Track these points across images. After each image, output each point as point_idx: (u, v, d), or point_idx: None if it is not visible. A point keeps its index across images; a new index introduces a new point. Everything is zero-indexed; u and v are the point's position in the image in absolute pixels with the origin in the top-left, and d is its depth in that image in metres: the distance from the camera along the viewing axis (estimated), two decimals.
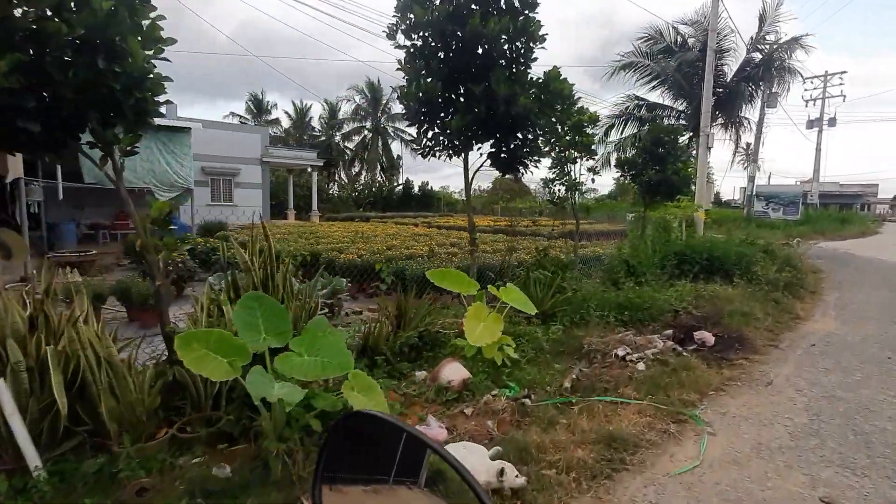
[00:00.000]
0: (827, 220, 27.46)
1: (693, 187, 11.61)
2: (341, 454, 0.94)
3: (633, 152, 11.38)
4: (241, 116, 53.00)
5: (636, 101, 19.00)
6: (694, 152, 13.60)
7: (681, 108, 17.62)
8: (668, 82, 17.32)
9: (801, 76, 17.85)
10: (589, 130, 8.49)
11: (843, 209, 52.05)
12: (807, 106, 39.79)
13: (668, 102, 17.90)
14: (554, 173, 8.46)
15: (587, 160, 8.62)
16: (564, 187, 8.35)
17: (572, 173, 8.57)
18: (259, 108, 54.73)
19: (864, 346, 5.80)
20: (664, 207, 10.51)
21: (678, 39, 17.62)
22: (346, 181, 50.26)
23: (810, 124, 39.96)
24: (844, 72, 36.98)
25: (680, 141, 10.94)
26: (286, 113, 55.06)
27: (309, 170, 29.84)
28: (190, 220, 17.69)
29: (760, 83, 17.01)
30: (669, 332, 5.99)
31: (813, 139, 39.74)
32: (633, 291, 7.35)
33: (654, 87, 18.22)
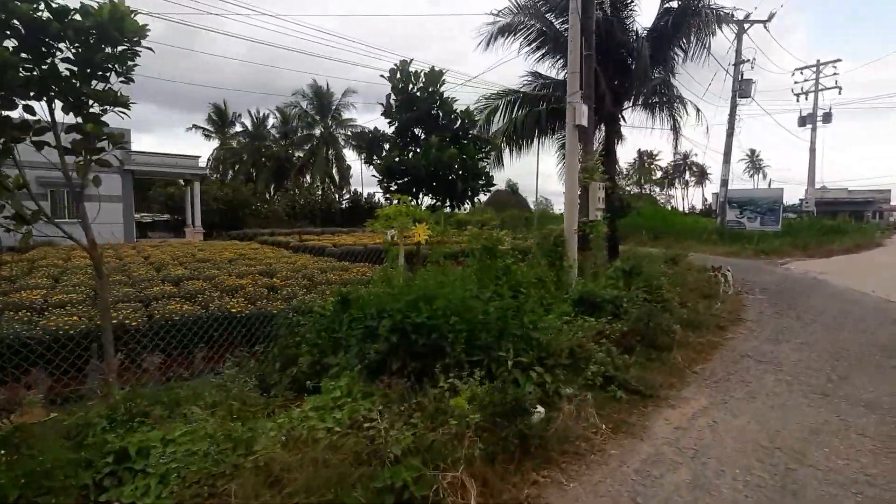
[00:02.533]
0: (812, 231, 22.14)
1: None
2: None
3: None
4: (203, 128, 49.42)
5: (541, 81, 14.19)
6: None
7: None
8: (558, 48, 12.49)
9: (733, 17, 12.86)
10: None
11: (853, 217, 46.41)
12: (798, 100, 34.66)
13: (562, 75, 13.04)
14: None
15: None
16: None
17: None
18: (222, 118, 51.02)
19: None
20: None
21: None
22: (298, 192, 45.89)
23: (802, 121, 34.79)
24: (838, 60, 31.78)
25: (455, 101, 6.12)
26: (241, 124, 51.15)
27: (185, 180, 25.37)
28: None
29: (677, 38, 11.97)
30: None
31: (806, 138, 34.43)
32: None
33: (544, 56, 13.39)
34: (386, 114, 5.94)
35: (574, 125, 9.18)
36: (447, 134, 6.30)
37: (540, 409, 3.82)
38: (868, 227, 32.80)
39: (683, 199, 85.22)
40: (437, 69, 5.82)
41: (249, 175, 46.11)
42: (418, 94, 5.94)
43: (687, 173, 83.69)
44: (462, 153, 6.24)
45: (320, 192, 42.65)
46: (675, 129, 14.78)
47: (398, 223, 5.18)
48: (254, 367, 5.11)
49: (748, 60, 24.80)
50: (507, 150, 14.30)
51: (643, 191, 70.30)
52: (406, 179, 5.91)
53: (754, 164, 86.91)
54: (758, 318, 7.57)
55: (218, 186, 36.31)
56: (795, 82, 34.15)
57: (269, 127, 49.98)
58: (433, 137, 5.69)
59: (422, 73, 5.76)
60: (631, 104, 14.05)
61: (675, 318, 6.76)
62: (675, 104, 14.15)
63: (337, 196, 43.82)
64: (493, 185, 6.64)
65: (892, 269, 14.16)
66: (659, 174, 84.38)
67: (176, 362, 5.66)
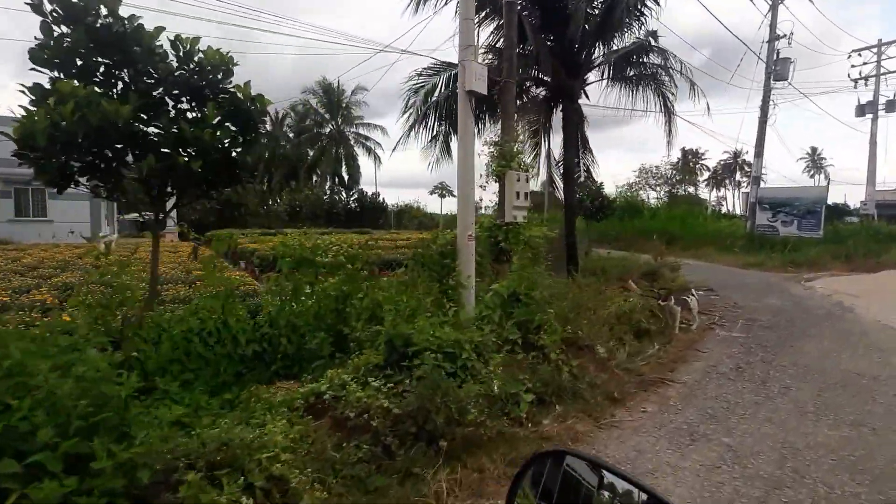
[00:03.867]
0: (861, 239, 18.20)
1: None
2: (536, 491, 0.91)
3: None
4: None
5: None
6: None
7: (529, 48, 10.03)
8: (497, 10, 9.89)
9: None
10: None
11: None
12: (856, 87, 29.88)
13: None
14: None
15: None
16: None
17: None
18: None
19: None
20: None
21: None
22: (302, 192, 44.78)
23: (861, 110, 30.10)
24: None
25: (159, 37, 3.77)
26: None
27: None
28: None
29: None
30: None
31: (865, 129, 29.79)
32: None
33: (484, 19, 10.75)
34: (37, 55, 3.67)
35: (465, 91, 6.60)
36: (163, 86, 3.98)
37: None
38: None
39: (734, 200, 78.83)
40: None
41: (270, 174, 45.35)
42: (95, 19, 3.67)
43: (738, 173, 77.34)
44: (208, 119, 3.92)
45: (329, 192, 41.28)
46: (668, 111, 11.75)
47: None
48: None
49: (784, 36, 20.98)
50: (454, 139, 11.87)
51: (678, 191, 64.89)
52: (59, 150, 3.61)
53: (815, 163, 79.29)
54: (697, 380, 4.78)
55: None
56: (853, 66, 29.46)
57: (285, 127, 49.15)
58: (74, 84, 3.38)
59: None
60: (605, 77, 11.25)
61: (539, 379, 4.17)
62: (661, 77, 11.18)
63: (344, 195, 42.18)
64: (251, 172, 4.25)
65: None
66: (706, 175, 78.91)
67: None
